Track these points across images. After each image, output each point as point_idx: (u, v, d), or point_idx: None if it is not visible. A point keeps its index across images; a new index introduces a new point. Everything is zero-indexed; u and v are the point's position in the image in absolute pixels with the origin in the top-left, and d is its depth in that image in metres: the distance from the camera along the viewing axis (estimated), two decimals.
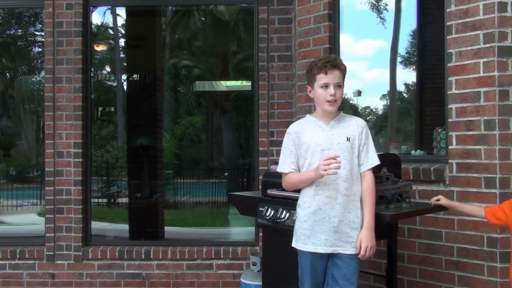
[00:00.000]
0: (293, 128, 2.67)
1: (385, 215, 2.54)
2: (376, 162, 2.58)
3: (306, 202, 2.55)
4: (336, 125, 2.59)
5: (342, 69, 2.58)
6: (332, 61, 2.57)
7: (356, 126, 2.60)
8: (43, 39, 4.74)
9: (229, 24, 10.34)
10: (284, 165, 2.62)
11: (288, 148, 2.63)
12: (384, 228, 2.62)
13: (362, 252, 2.45)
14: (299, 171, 2.60)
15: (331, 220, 2.47)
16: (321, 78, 2.55)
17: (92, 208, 4.76)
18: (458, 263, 3.12)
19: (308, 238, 2.52)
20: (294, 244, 2.60)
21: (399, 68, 6.16)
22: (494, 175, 2.95)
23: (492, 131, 2.96)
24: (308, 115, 2.70)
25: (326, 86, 2.54)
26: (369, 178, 2.55)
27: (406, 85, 6.29)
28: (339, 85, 2.57)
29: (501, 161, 2.93)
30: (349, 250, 2.48)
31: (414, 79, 5.87)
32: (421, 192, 3.27)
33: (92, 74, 4.87)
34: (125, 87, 8.27)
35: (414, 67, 6.02)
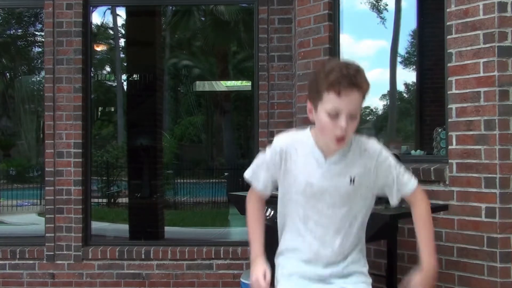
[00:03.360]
0: (282, 141, 1.90)
1: (385, 215, 2.54)
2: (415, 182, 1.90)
3: None
4: (339, 159, 1.81)
5: (364, 89, 1.70)
6: (351, 76, 1.65)
7: (368, 157, 1.82)
8: (43, 39, 4.74)
9: (229, 24, 10.36)
10: (255, 178, 1.99)
11: (267, 162, 1.93)
12: (384, 228, 2.62)
13: None
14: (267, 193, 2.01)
15: None
16: (330, 100, 1.66)
17: (92, 208, 4.76)
18: (458, 263, 3.12)
19: None
20: None
21: (399, 68, 6.18)
22: (494, 175, 2.95)
23: (492, 131, 2.96)
24: (308, 131, 1.87)
25: (335, 114, 1.67)
26: (421, 202, 1.88)
27: (406, 85, 6.31)
28: (355, 116, 1.70)
29: (501, 161, 2.93)
30: None
31: (414, 79, 5.88)
32: None
33: (92, 74, 4.87)
34: (125, 87, 8.29)
35: (414, 67, 6.04)
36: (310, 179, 1.81)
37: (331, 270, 1.89)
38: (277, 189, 1.99)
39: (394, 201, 1.88)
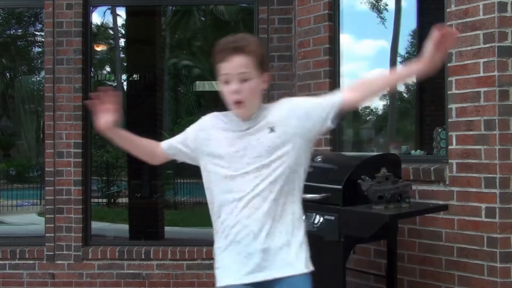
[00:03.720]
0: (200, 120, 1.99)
1: (385, 215, 2.54)
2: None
3: None
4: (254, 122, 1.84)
5: (251, 51, 1.76)
6: (231, 42, 1.77)
7: (278, 108, 1.87)
8: (43, 39, 4.74)
9: (229, 24, 10.35)
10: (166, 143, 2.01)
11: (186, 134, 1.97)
12: (384, 228, 2.62)
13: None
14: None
15: None
16: (220, 70, 1.79)
17: (92, 208, 4.76)
18: (458, 263, 3.12)
19: None
20: None
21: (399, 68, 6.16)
22: (494, 175, 2.95)
23: (492, 131, 2.96)
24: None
25: (226, 80, 1.79)
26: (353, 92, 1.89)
27: (406, 85, 6.30)
28: (247, 78, 1.77)
29: (501, 161, 2.93)
30: None
31: (414, 79, 5.87)
32: (421, 192, 3.27)
33: (92, 74, 4.87)
34: (125, 87, 8.27)
35: None
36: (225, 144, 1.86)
37: None
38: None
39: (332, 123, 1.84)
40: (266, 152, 1.78)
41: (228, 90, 1.79)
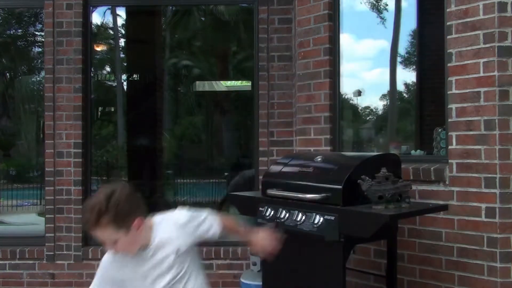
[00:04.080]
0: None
1: (385, 215, 2.54)
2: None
3: None
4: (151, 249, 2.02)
5: (103, 222, 1.86)
6: (86, 224, 1.93)
7: (170, 229, 2.05)
8: (43, 39, 4.74)
9: (229, 24, 10.35)
10: None
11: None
12: (384, 228, 2.62)
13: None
14: None
15: None
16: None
17: None
18: (458, 263, 3.12)
19: None
20: None
21: (399, 68, 6.17)
22: (494, 175, 2.95)
23: (492, 131, 2.96)
24: None
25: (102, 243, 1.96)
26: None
27: (406, 85, 6.30)
28: (113, 240, 1.92)
29: (501, 161, 2.93)
30: None
31: (414, 79, 5.88)
32: (421, 192, 3.27)
33: (92, 74, 4.87)
34: (125, 87, 8.28)
35: (414, 67, 6.03)
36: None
37: None
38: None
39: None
40: None
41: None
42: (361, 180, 2.61)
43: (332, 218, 2.58)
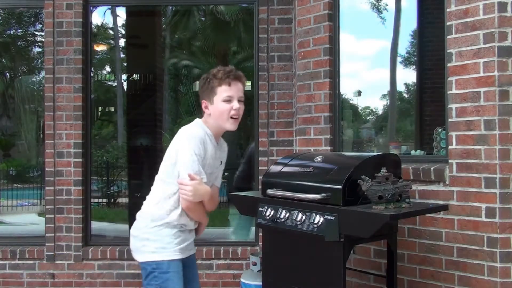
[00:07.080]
0: (200, 133, 2.42)
1: (385, 215, 2.54)
2: None
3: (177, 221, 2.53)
4: (220, 147, 2.58)
5: (244, 82, 2.46)
6: (234, 72, 2.44)
7: (223, 150, 2.64)
8: (43, 39, 4.74)
9: (229, 24, 10.36)
10: (203, 173, 2.40)
11: (200, 155, 2.38)
12: (384, 228, 2.62)
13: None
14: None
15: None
16: (224, 91, 2.40)
17: (92, 208, 4.76)
18: (458, 263, 3.12)
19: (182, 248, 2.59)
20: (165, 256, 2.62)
21: (399, 68, 6.17)
22: (494, 175, 2.95)
23: (492, 131, 2.96)
24: (201, 123, 2.50)
25: (229, 100, 2.41)
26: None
27: (406, 85, 6.30)
28: (242, 100, 2.46)
29: (501, 161, 2.93)
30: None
31: (414, 79, 5.88)
32: (421, 192, 3.27)
33: (92, 74, 4.87)
34: (125, 87, 8.28)
35: (414, 67, 6.03)
36: (212, 160, 2.46)
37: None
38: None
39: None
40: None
41: (229, 107, 2.41)
42: (361, 180, 2.61)
43: (332, 218, 2.58)
